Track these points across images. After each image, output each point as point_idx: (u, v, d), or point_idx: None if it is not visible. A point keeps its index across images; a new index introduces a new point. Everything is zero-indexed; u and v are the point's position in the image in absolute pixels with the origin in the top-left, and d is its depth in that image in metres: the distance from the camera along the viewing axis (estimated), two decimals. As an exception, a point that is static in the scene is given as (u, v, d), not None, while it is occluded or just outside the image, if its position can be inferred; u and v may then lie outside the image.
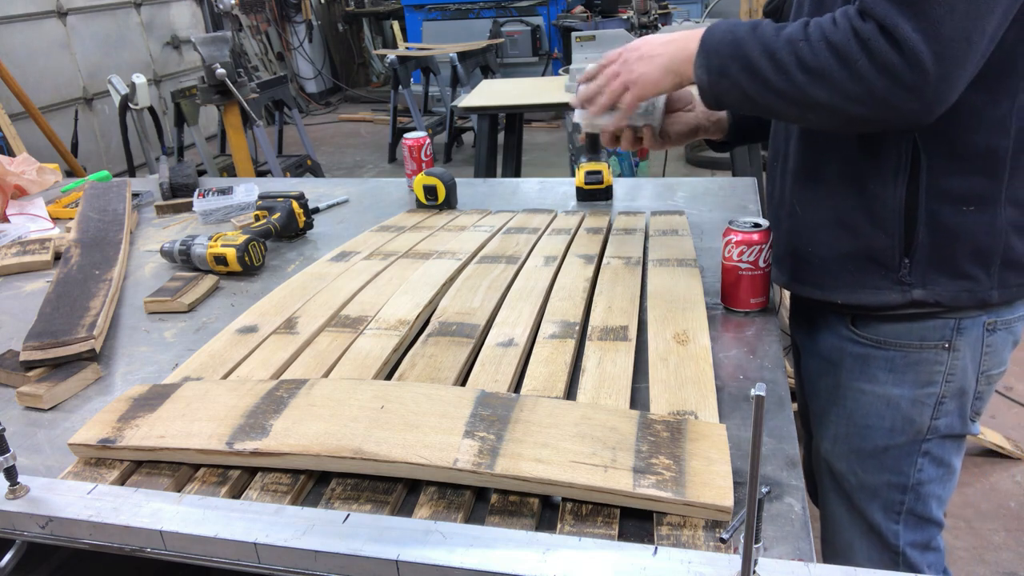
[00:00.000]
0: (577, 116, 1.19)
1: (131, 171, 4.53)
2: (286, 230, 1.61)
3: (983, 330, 1.06)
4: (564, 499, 0.76)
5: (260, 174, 4.36)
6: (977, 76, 0.89)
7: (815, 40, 0.88)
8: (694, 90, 1.06)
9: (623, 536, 0.73)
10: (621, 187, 1.82)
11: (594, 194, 1.73)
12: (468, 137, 6.58)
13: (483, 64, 6.32)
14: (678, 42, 1.01)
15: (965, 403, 1.11)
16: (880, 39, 0.84)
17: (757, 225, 1.12)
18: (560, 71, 3.41)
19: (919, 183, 1.00)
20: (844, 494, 1.21)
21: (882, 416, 1.13)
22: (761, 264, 1.12)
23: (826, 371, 1.19)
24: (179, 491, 0.82)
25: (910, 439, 1.12)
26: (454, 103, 3.71)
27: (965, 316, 1.05)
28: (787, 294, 1.44)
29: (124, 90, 4.32)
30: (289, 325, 1.16)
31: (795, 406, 1.24)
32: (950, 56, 0.83)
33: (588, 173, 1.72)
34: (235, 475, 0.83)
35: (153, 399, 0.95)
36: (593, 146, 1.72)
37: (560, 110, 5.52)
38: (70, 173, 4.18)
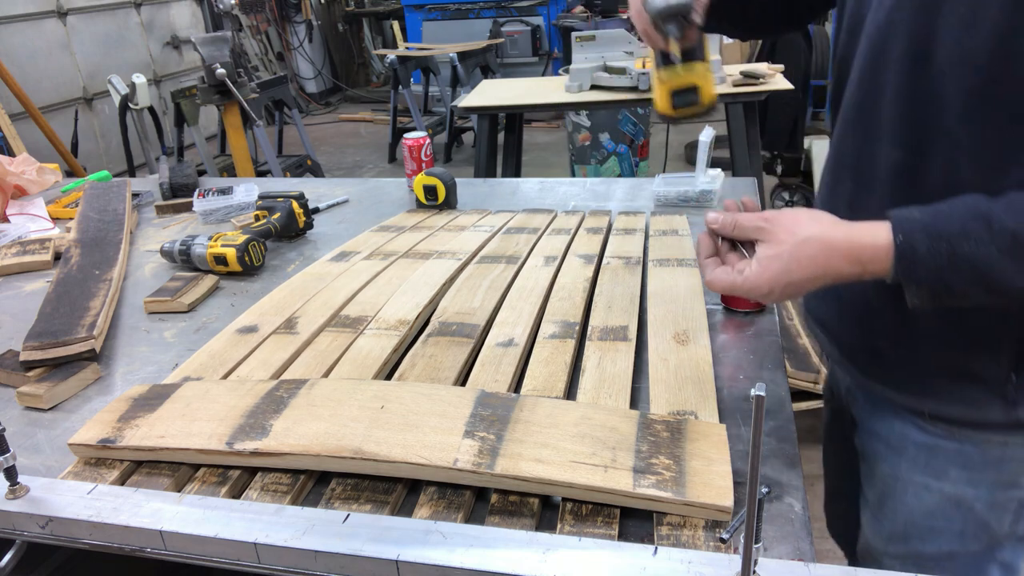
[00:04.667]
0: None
1: (131, 171, 4.53)
2: (286, 230, 1.61)
3: None
4: (564, 499, 0.76)
5: (260, 174, 4.36)
6: None
7: None
8: None
9: (623, 536, 0.73)
10: (621, 187, 1.82)
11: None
12: (468, 137, 6.58)
13: (483, 64, 6.32)
14: (835, 267, 0.75)
15: None
16: None
17: (757, 225, 1.12)
18: (560, 71, 3.41)
19: None
20: None
21: (951, 519, 0.94)
22: (761, 264, 1.12)
23: (884, 456, 1.00)
24: (179, 491, 0.82)
25: (984, 547, 0.95)
26: (454, 103, 3.71)
27: None
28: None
29: (124, 90, 4.32)
30: (289, 325, 1.16)
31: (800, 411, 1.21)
32: None
33: (677, 94, 1.05)
34: (235, 475, 0.83)
35: (153, 399, 0.95)
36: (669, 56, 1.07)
37: (560, 110, 5.51)
38: (70, 173, 4.18)
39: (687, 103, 1.04)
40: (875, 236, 0.73)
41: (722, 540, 0.70)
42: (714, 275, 0.80)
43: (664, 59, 1.03)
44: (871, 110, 0.86)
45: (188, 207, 1.87)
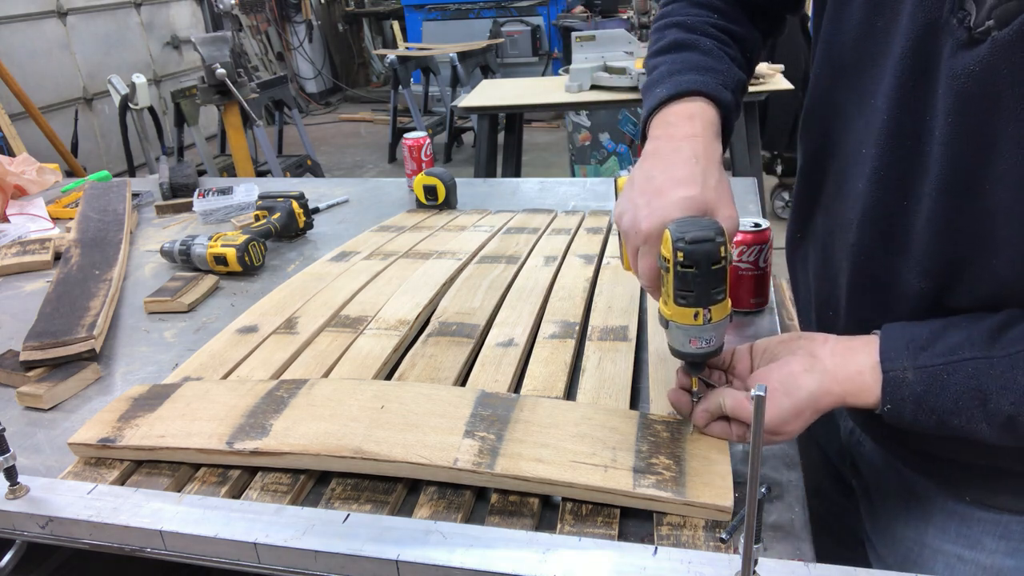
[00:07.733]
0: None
1: (131, 171, 4.53)
2: (286, 230, 1.61)
3: None
4: (564, 499, 0.76)
5: (260, 174, 4.36)
6: None
7: None
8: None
9: (623, 536, 0.73)
10: (621, 187, 1.82)
11: None
12: (468, 137, 6.58)
13: (483, 64, 6.33)
14: (826, 395, 0.73)
15: None
16: None
17: (757, 225, 1.12)
18: (560, 71, 3.41)
19: None
20: None
21: None
22: (761, 264, 1.13)
23: (904, 519, 0.92)
24: (179, 491, 0.82)
25: None
26: (454, 103, 3.71)
27: None
28: (788, 293, 1.26)
29: (124, 90, 4.32)
30: (289, 325, 1.16)
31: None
32: None
33: None
34: (235, 475, 0.83)
35: (153, 399, 0.95)
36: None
37: (560, 110, 5.51)
38: (70, 173, 4.18)
39: None
40: (864, 398, 0.72)
41: (722, 540, 0.70)
42: (712, 432, 0.80)
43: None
44: (891, 225, 0.77)
45: (188, 207, 1.87)
